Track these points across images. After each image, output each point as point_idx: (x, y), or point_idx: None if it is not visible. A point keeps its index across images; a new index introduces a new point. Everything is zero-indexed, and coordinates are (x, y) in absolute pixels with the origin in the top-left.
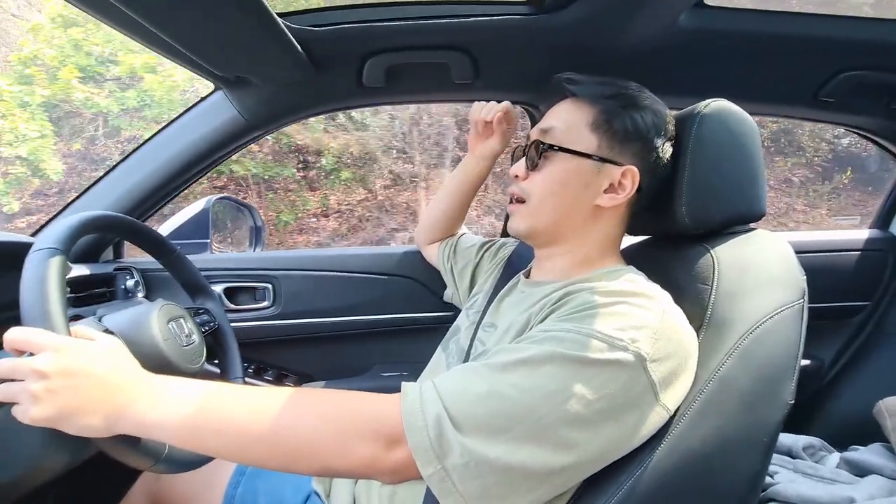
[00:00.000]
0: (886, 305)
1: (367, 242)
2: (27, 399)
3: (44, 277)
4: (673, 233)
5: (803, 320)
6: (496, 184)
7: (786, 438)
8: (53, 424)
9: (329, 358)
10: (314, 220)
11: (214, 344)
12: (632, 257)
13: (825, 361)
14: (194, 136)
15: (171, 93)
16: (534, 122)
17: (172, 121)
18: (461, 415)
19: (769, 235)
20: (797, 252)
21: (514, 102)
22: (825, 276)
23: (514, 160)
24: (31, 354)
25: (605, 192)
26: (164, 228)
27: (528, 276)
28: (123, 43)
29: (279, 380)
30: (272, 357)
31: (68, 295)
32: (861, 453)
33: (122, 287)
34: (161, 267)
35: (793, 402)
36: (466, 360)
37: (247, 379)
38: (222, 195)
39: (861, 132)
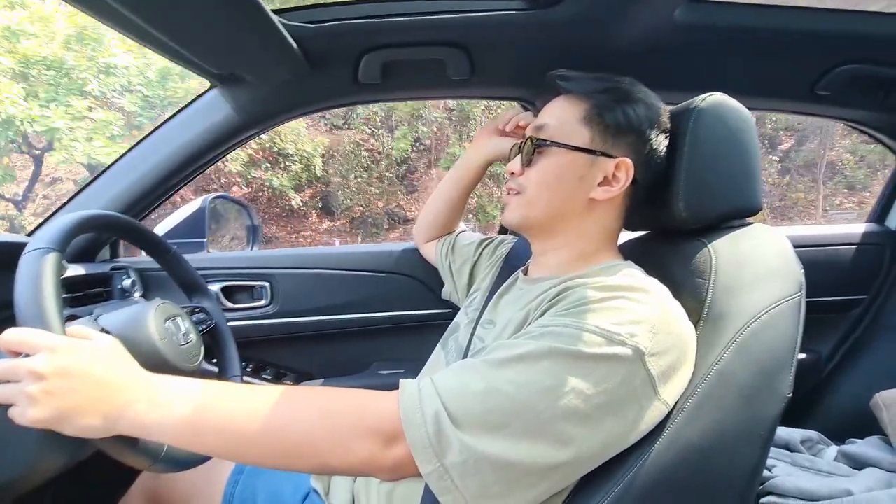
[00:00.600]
0: (883, 299)
1: None
2: (24, 401)
3: (39, 277)
4: (670, 227)
5: (801, 314)
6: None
7: (784, 432)
8: (51, 426)
9: (327, 356)
10: None
11: (212, 343)
12: (629, 252)
13: (823, 355)
14: (190, 135)
15: None
16: None
17: (168, 119)
18: (459, 411)
19: (767, 229)
20: (795, 246)
21: (510, 98)
22: (823, 270)
23: (510, 158)
24: (28, 356)
25: (600, 184)
26: (161, 228)
27: (526, 273)
28: None
29: (277, 378)
30: (270, 356)
31: (64, 295)
32: (858, 446)
33: (119, 287)
34: (158, 266)
35: (790, 395)
36: (465, 357)
37: (245, 378)
38: (218, 194)
39: (857, 126)
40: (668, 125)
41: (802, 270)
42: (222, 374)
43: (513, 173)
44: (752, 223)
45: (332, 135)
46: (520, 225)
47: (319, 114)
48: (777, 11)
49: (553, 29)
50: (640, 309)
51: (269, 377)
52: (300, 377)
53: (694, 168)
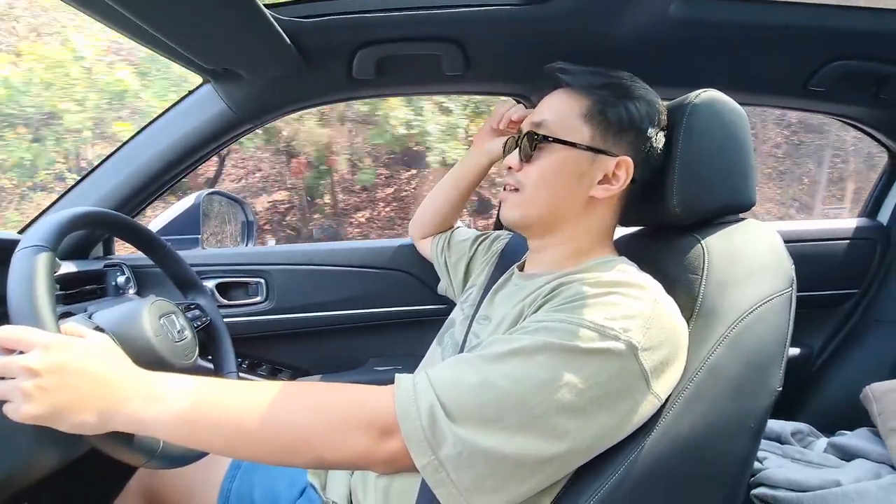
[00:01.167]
0: (874, 293)
1: None
2: (19, 397)
3: (31, 274)
4: (664, 223)
5: (791, 309)
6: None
7: (775, 424)
8: (46, 422)
9: (323, 352)
10: None
11: (207, 340)
12: (624, 248)
13: (814, 349)
14: (183, 131)
15: None
16: None
17: (160, 115)
18: (454, 405)
19: (759, 225)
20: (786, 241)
21: (505, 94)
22: (814, 265)
23: (506, 152)
24: (22, 353)
25: (600, 183)
26: (155, 224)
27: (521, 269)
28: None
29: (273, 375)
30: (266, 352)
31: (58, 293)
32: (848, 438)
33: (113, 284)
34: (152, 263)
35: (780, 388)
36: (461, 353)
37: (241, 374)
38: (213, 189)
39: (850, 121)
40: (667, 122)
41: (793, 266)
42: (218, 371)
43: (510, 168)
44: (745, 219)
45: None
46: (519, 224)
47: None
48: (770, 7)
49: (548, 24)
50: (633, 304)
51: (264, 374)
52: (296, 373)
53: (688, 164)
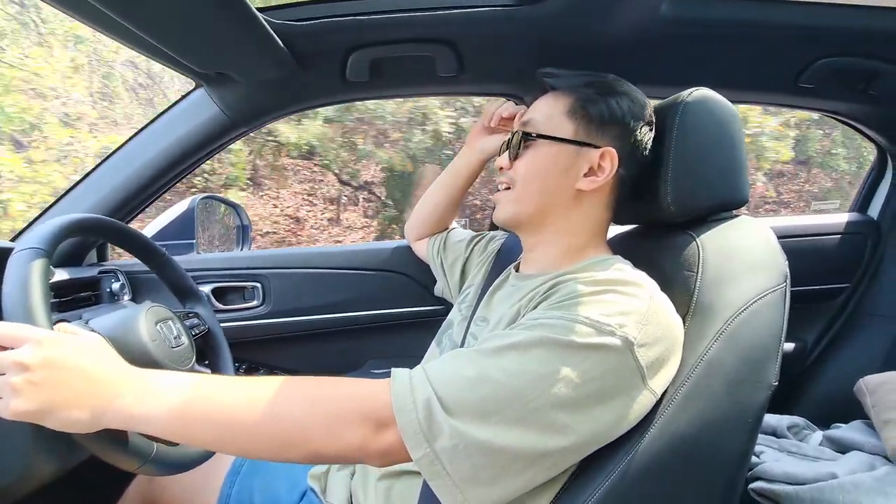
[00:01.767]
0: (866, 287)
1: None
2: (8, 392)
3: (26, 276)
4: (658, 221)
5: (786, 304)
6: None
7: (771, 419)
8: (36, 419)
9: (321, 355)
10: None
11: (205, 347)
12: (618, 246)
13: (808, 343)
14: (177, 135)
15: None
16: None
17: (154, 119)
18: (450, 398)
19: (752, 221)
20: (779, 237)
21: (499, 95)
22: (807, 260)
23: (500, 155)
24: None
25: (586, 175)
26: (149, 229)
27: (517, 269)
28: None
29: None
30: (263, 356)
31: (52, 300)
32: (843, 431)
33: (108, 290)
34: (147, 269)
35: (776, 383)
36: None
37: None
38: (207, 194)
39: (840, 118)
40: (653, 118)
41: (787, 261)
42: None
43: (502, 168)
44: (739, 215)
45: None
46: (510, 221)
47: None
48: (761, 5)
49: (541, 24)
50: (629, 302)
51: None
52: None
53: (681, 162)
